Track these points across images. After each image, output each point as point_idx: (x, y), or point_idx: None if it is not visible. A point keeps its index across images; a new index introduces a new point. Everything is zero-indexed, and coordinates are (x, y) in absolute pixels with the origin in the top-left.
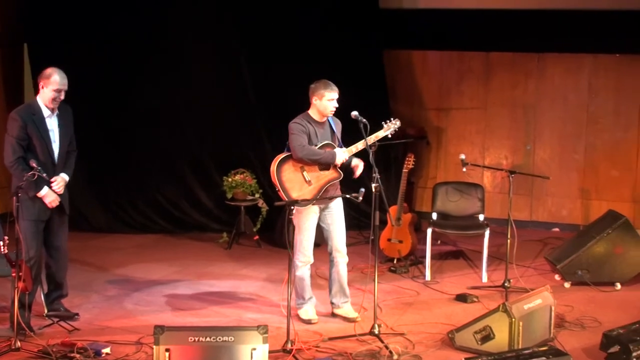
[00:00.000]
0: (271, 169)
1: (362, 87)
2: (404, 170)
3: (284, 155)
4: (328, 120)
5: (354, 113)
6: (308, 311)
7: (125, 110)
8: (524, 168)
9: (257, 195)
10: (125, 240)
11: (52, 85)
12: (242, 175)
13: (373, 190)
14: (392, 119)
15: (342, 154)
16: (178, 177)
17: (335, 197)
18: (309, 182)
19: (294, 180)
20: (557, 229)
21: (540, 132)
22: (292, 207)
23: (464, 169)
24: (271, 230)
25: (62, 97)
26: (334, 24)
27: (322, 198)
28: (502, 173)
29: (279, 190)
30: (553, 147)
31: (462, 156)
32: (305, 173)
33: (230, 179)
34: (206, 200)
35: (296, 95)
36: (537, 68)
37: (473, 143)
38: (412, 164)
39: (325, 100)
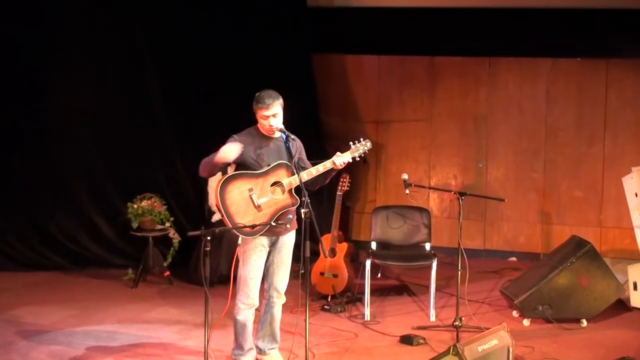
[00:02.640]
0: (215, 189)
1: (287, 97)
2: (338, 193)
3: (230, 174)
4: (283, 139)
5: (280, 126)
6: None
7: (10, 129)
8: (476, 189)
9: (167, 224)
10: (11, 280)
11: None
12: (149, 201)
13: (302, 216)
14: (362, 139)
15: (231, 147)
16: (74, 203)
17: (261, 225)
18: (258, 208)
19: (240, 204)
20: (514, 259)
21: (493, 147)
22: (208, 237)
23: (407, 191)
24: (185, 265)
25: None
26: (255, 24)
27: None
28: (450, 195)
29: (223, 216)
30: (508, 165)
31: (405, 176)
32: (254, 196)
33: (135, 206)
34: (107, 230)
35: (213, 107)
36: (489, 74)
37: (417, 161)
38: (348, 186)
39: (259, 117)
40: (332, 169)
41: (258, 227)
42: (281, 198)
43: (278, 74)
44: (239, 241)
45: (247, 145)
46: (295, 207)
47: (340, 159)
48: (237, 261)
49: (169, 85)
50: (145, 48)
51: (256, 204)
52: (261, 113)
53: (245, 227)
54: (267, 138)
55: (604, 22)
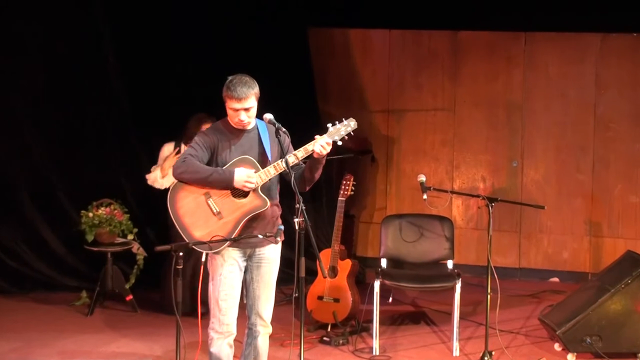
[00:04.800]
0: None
1: (278, 81)
2: (340, 198)
3: None
4: (257, 128)
5: (268, 116)
6: None
7: None
8: (509, 194)
9: (130, 237)
10: None
11: None
12: (108, 208)
13: (296, 227)
14: (343, 119)
15: (242, 174)
16: (15, 212)
17: (246, 237)
18: (218, 215)
19: (196, 213)
20: (556, 279)
21: (530, 142)
22: (181, 253)
23: (425, 196)
24: (153, 287)
25: None
26: None
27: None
28: (478, 201)
29: (179, 231)
30: (548, 164)
31: (422, 178)
32: (211, 202)
33: (91, 214)
34: (56, 245)
35: (187, 96)
36: (525, 53)
37: (437, 159)
38: (352, 190)
39: (228, 108)
40: (315, 160)
41: (224, 240)
42: (246, 200)
43: (264, 53)
44: (203, 257)
45: (212, 142)
46: (265, 209)
47: (318, 144)
48: (204, 282)
49: (134, 69)
50: (106, 25)
51: (214, 211)
52: (231, 104)
53: (214, 241)
54: (238, 132)
55: None
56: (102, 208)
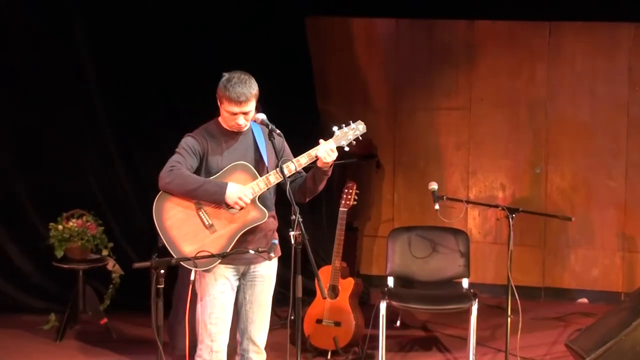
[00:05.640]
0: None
1: (272, 77)
2: (342, 209)
3: None
4: (251, 131)
5: (260, 116)
6: None
7: None
8: (532, 203)
9: (105, 253)
10: None
11: None
12: (80, 220)
13: (292, 241)
14: (351, 122)
15: (236, 189)
16: None
17: (235, 253)
18: (210, 228)
19: (185, 226)
20: (584, 300)
21: (555, 145)
22: (162, 270)
23: (437, 206)
24: (129, 309)
25: None
26: None
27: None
28: (497, 212)
29: (165, 245)
30: (576, 170)
31: (434, 186)
32: (203, 213)
33: (61, 227)
34: (22, 261)
35: (171, 95)
36: (550, 45)
37: (451, 164)
38: (355, 200)
39: (224, 110)
40: (320, 169)
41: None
42: (242, 212)
43: (257, 46)
44: (192, 276)
45: (201, 147)
46: (263, 222)
47: (323, 150)
48: (192, 302)
49: (110, 66)
50: (78, 15)
51: (207, 223)
52: (229, 107)
53: (200, 257)
54: (232, 134)
55: None
56: (73, 220)
